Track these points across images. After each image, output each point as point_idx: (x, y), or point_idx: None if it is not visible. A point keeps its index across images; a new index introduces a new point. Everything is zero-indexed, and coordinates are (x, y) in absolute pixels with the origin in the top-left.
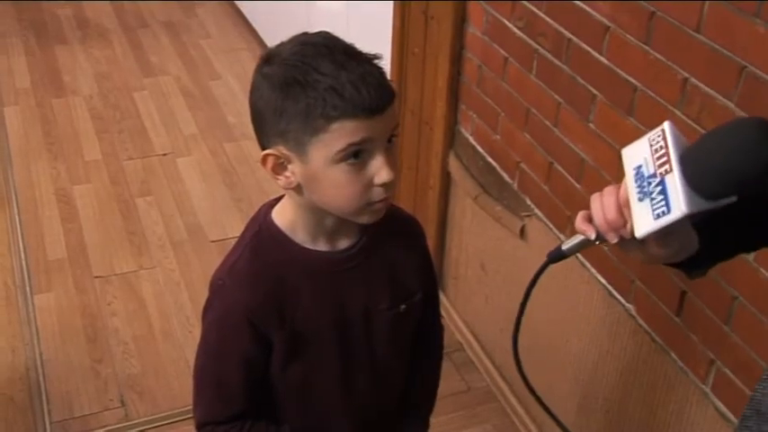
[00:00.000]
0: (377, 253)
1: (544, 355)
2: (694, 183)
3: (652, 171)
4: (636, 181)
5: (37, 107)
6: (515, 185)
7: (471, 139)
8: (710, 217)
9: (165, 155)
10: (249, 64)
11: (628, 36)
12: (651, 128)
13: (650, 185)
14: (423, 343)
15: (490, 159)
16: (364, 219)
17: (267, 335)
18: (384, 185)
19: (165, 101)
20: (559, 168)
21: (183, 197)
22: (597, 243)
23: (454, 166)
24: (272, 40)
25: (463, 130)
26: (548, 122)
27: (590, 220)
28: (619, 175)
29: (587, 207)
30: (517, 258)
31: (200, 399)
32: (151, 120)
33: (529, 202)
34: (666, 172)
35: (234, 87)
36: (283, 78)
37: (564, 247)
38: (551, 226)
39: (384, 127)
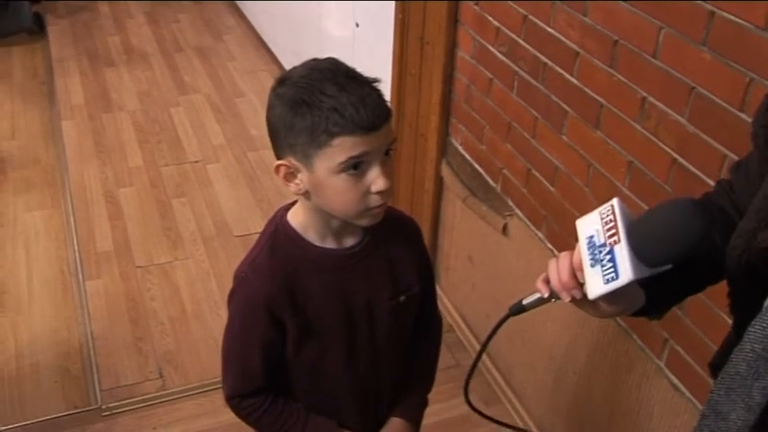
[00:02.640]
0: (379, 250)
1: (525, 336)
2: (639, 253)
3: (603, 241)
4: (588, 249)
5: (89, 121)
6: (499, 189)
7: (461, 149)
8: (655, 276)
9: (196, 162)
10: (268, 83)
11: (595, 60)
12: (615, 139)
13: (601, 254)
14: (422, 330)
15: (477, 166)
16: (364, 222)
17: (283, 321)
18: (380, 193)
19: (196, 115)
20: (537, 174)
21: (212, 198)
22: (553, 300)
23: (446, 171)
24: (288, 62)
25: (454, 141)
26: (526, 134)
27: (548, 281)
28: (586, 181)
29: (561, 209)
30: (500, 252)
31: (227, 375)
32: (185, 131)
33: (510, 203)
34: (615, 242)
35: (255, 103)
36: (293, 98)
37: (524, 302)
38: (529, 224)
39: (381, 142)
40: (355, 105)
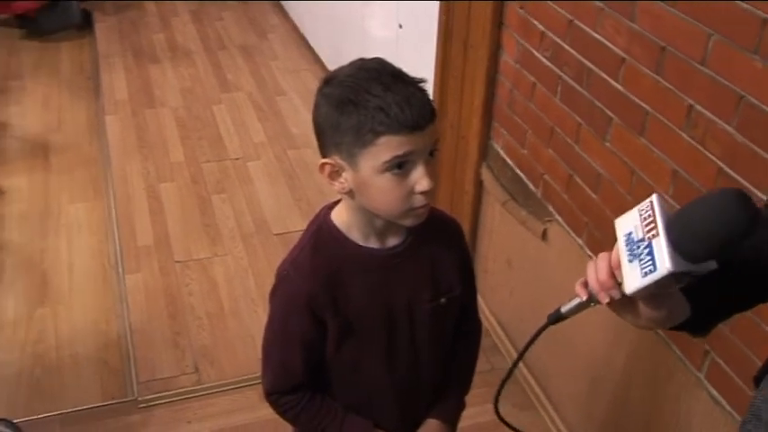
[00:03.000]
0: (421, 251)
1: (562, 343)
2: (678, 245)
3: (641, 236)
4: (626, 245)
5: (132, 116)
6: (539, 194)
7: (502, 153)
8: (700, 285)
9: (237, 159)
10: (310, 82)
11: (641, 66)
12: (659, 147)
13: (639, 248)
14: (462, 332)
15: (518, 171)
16: (407, 222)
17: (323, 320)
18: (424, 193)
19: (238, 113)
20: (578, 180)
21: (251, 196)
22: (592, 305)
23: (486, 175)
24: (330, 62)
25: (495, 145)
26: (569, 140)
27: (586, 285)
28: (629, 188)
29: (603, 215)
30: (539, 257)
31: (266, 371)
32: (226, 128)
33: (551, 208)
34: (654, 236)
35: (297, 103)
36: (339, 98)
37: (562, 310)
38: (570, 230)
39: (425, 142)
40: (401, 105)
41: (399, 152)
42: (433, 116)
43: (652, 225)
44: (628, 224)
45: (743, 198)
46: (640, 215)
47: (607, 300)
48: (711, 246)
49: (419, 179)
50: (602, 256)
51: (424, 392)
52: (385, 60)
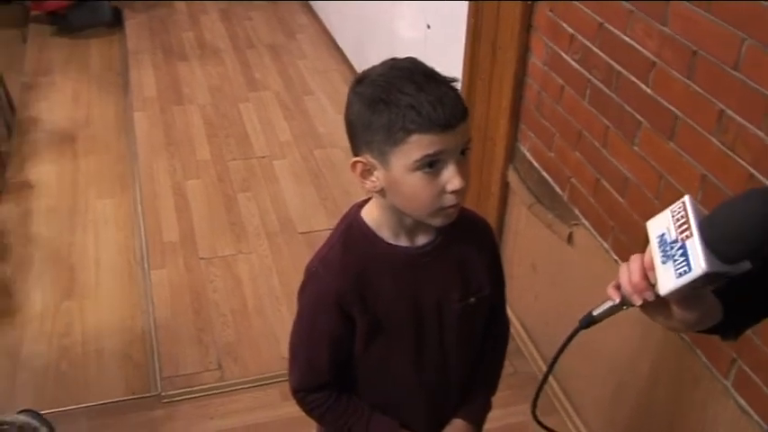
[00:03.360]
0: (451, 250)
1: (586, 347)
2: (712, 246)
3: (674, 237)
4: (659, 246)
5: (160, 113)
6: (566, 197)
7: (528, 155)
8: (733, 287)
9: (263, 157)
10: (338, 82)
11: (671, 70)
12: (689, 152)
13: (672, 249)
14: (491, 332)
15: (544, 173)
16: (437, 221)
17: (352, 318)
18: (455, 192)
19: (265, 111)
20: (606, 184)
21: (277, 194)
22: (624, 308)
23: (513, 177)
24: (358, 63)
25: (522, 147)
26: (597, 143)
27: (619, 287)
28: (657, 193)
29: (630, 220)
30: (564, 261)
31: (293, 369)
32: (253, 127)
33: (577, 212)
34: (687, 237)
35: (324, 102)
36: (371, 96)
37: (594, 313)
38: (596, 234)
39: (457, 141)
40: (432, 104)
41: (430, 151)
42: (465, 115)
43: (685, 226)
44: (660, 226)
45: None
46: (673, 216)
47: (640, 302)
48: (745, 246)
49: (450, 178)
50: (635, 257)
51: (452, 393)
52: (417, 60)
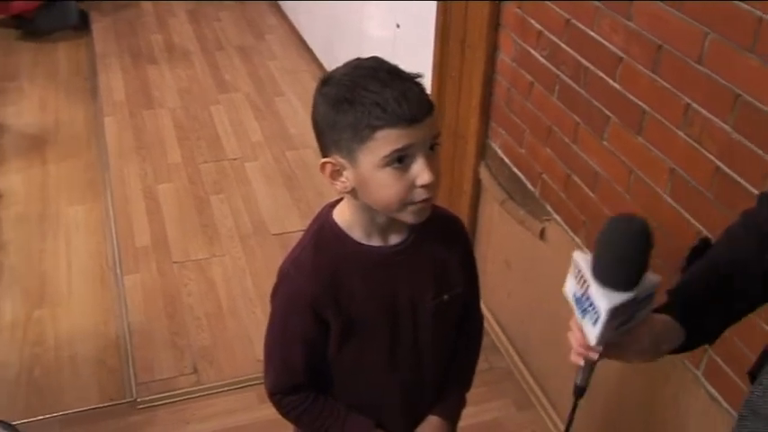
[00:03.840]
0: (423, 248)
1: (560, 342)
2: (607, 281)
3: (581, 292)
4: (577, 306)
5: (130, 117)
6: (537, 193)
7: (500, 152)
8: (688, 309)
9: (235, 159)
10: (309, 83)
11: (638, 65)
12: (657, 146)
13: (585, 303)
14: (464, 329)
15: (516, 170)
16: (410, 218)
17: (326, 319)
18: (425, 186)
19: (236, 113)
20: (576, 179)
21: (249, 196)
22: (590, 365)
23: (484, 174)
24: (328, 63)
25: (493, 144)
26: (567, 139)
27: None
28: (627, 187)
29: (601, 214)
30: (537, 257)
31: (268, 371)
32: (224, 129)
33: (549, 208)
34: (588, 287)
35: (295, 103)
36: (336, 96)
37: (578, 382)
38: (568, 229)
39: (424, 135)
40: (397, 99)
41: (398, 145)
42: (431, 109)
43: (583, 279)
44: (571, 287)
45: (625, 220)
46: (574, 276)
47: (596, 356)
48: (632, 265)
49: (420, 172)
50: (572, 322)
51: (427, 391)
52: (381, 58)
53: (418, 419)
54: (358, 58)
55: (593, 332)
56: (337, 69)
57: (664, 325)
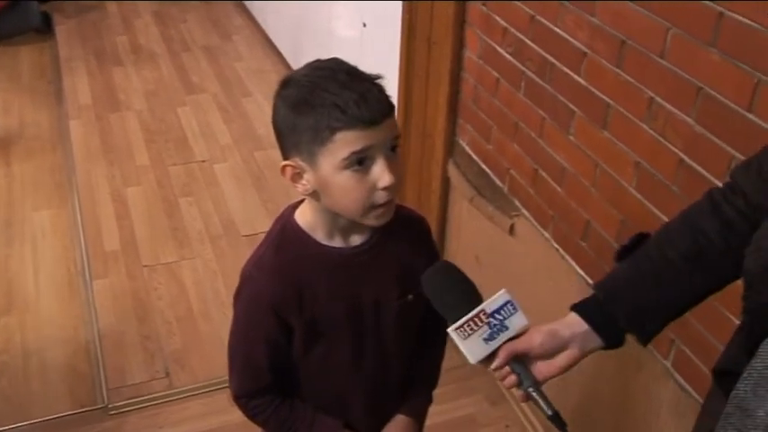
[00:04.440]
0: (387, 249)
1: None
2: (451, 316)
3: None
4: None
5: (96, 120)
6: (506, 189)
7: (467, 149)
8: (610, 320)
9: (203, 161)
10: (276, 83)
11: (602, 60)
12: (621, 139)
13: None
14: (430, 327)
15: (484, 166)
16: (371, 221)
17: (289, 321)
18: (386, 189)
19: (203, 115)
20: (544, 174)
21: (218, 198)
22: (534, 391)
23: (453, 171)
24: (295, 63)
25: (461, 141)
26: (533, 134)
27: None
28: (593, 181)
29: (568, 208)
30: (507, 252)
31: (233, 374)
32: (192, 131)
33: (517, 203)
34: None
35: (263, 104)
36: (295, 98)
37: (549, 413)
38: (536, 224)
39: (384, 136)
40: (356, 101)
41: (357, 147)
42: (390, 110)
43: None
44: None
45: (434, 268)
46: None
47: (515, 380)
48: (447, 299)
49: (380, 174)
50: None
51: (392, 390)
52: (341, 60)
53: (384, 418)
54: (318, 60)
55: (466, 353)
56: (297, 71)
57: (569, 327)
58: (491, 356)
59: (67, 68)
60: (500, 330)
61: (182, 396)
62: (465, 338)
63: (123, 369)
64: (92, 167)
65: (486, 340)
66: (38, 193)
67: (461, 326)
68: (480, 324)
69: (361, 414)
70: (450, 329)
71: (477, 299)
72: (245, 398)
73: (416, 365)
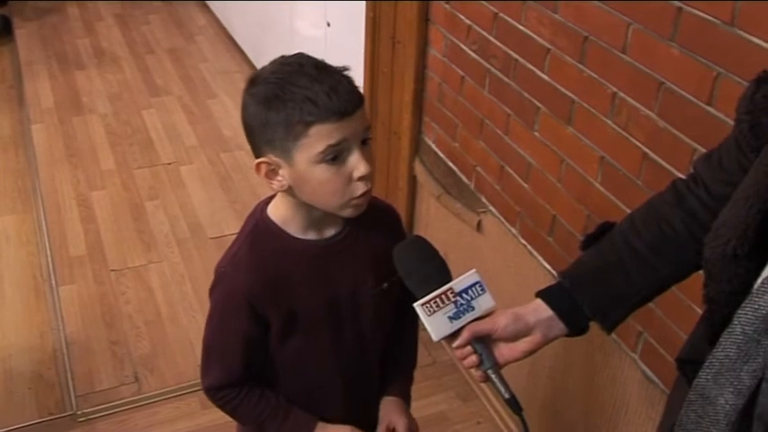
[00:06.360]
0: (360, 239)
1: None
2: (419, 291)
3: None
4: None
5: (59, 124)
6: (472, 186)
7: (434, 147)
8: (574, 307)
9: (169, 164)
10: (241, 84)
11: (565, 57)
12: (586, 135)
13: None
14: (405, 313)
15: (450, 164)
16: (347, 213)
17: (265, 315)
18: (363, 178)
19: (169, 117)
20: (510, 171)
21: (185, 200)
22: (493, 372)
23: (419, 169)
24: (260, 63)
25: (427, 139)
26: (499, 131)
27: (477, 368)
28: (559, 176)
29: (535, 204)
30: (475, 249)
31: (207, 367)
32: (157, 133)
33: (484, 200)
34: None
35: (228, 105)
36: (265, 95)
37: (506, 397)
38: (503, 220)
39: (357, 127)
40: (328, 93)
41: (332, 140)
42: (361, 101)
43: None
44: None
45: (406, 242)
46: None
47: (480, 367)
48: (428, 274)
49: (356, 165)
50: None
51: (370, 378)
52: (306, 54)
53: (361, 406)
54: (283, 56)
55: (430, 329)
56: (264, 68)
57: (534, 312)
58: (454, 335)
59: (29, 72)
60: (466, 310)
61: (151, 401)
62: (430, 315)
63: (91, 375)
64: (56, 172)
65: (452, 318)
66: (1, 199)
67: (428, 302)
68: (447, 302)
69: (339, 404)
70: (416, 304)
71: (446, 276)
72: (214, 389)
73: (396, 349)
